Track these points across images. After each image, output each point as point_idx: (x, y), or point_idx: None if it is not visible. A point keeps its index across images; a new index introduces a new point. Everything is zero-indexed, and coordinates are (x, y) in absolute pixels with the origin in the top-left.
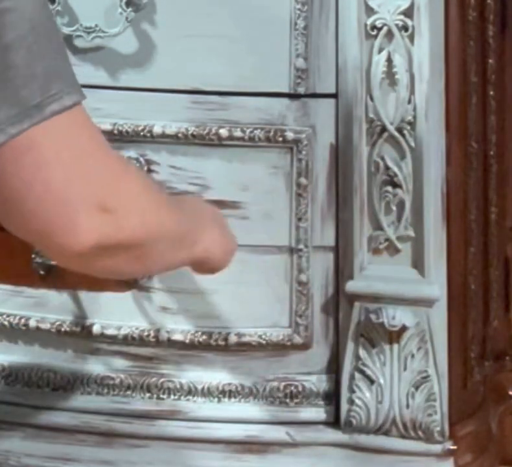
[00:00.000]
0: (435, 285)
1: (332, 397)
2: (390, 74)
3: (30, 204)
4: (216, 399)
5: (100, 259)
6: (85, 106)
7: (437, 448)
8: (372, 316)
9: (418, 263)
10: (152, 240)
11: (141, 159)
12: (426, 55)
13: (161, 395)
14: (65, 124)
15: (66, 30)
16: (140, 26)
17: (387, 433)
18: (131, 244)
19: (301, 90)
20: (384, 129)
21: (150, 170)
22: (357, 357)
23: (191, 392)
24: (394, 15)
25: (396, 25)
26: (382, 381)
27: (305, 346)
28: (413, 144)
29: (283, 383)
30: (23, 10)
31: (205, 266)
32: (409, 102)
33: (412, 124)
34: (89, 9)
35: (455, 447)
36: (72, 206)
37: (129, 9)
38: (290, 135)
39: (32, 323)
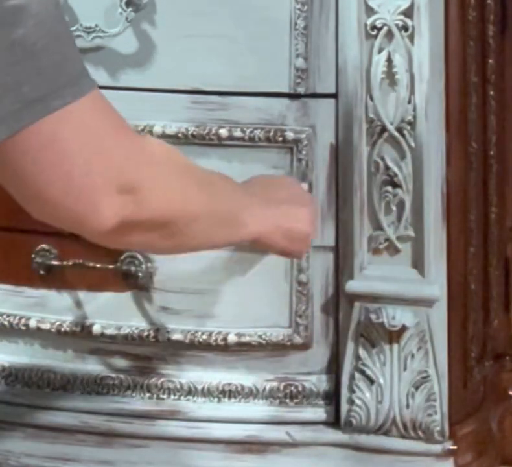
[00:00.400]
0: (435, 285)
1: (332, 397)
2: (390, 74)
3: (53, 196)
4: (216, 399)
5: (129, 235)
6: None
7: (437, 448)
8: (372, 316)
9: (418, 263)
10: (182, 219)
11: None
12: (426, 55)
13: (161, 395)
14: (80, 115)
15: None
16: (140, 26)
17: (387, 433)
18: (158, 222)
19: (301, 90)
20: (383, 129)
21: None
22: (357, 357)
23: (191, 392)
24: (394, 15)
25: (396, 25)
26: (382, 381)
27: (305, 346)
28: (413, 144)
29: (283, 383)
30: (33, 7)
31: (267, 247)
32: (409, 102)
33: (412, 124)
34: (89, 9)
35: (455, 447)
36: (95, 193)
37: (129, 9)
38: (290, 135)
39: (32, 323)
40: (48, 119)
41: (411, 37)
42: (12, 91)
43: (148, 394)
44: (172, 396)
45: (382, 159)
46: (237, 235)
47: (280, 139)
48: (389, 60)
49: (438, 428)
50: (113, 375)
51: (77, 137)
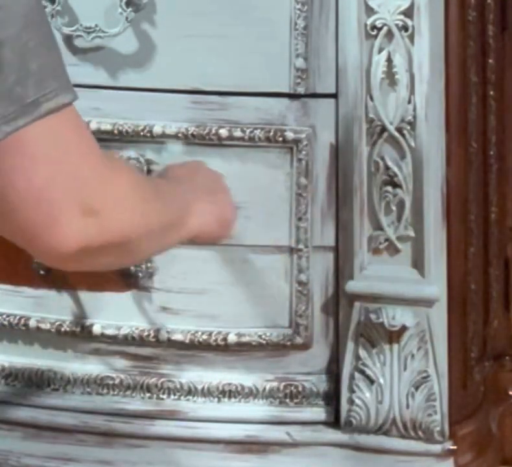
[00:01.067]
0: (435, 285)
1: (332, 397)
2: (390, 74)
3: (13, 205)
4: (216, 399)
5: (88, 258)
6: (85, 105)
7: (437, 448)
8: (372, 316)
9: (418, 263)
10: (140, 236)
11: (141, 159)
12: (426, 55)
13: (161, 395)
14: (57, 124)
15: (66, 30)
16: (140, 26)
17: (387, 433)
18: (119, 244)
19: (301, 90)
20: (383, 129)
21: (149, 171)
22: (357, 357)
23: (191, 392)
24: (394, 15)
25: (396, 25)
26: (382, 381)
27: (305, 346)
28: (413, 144)
29: (283, 383)
30: (16, 8)
31: (204, 239)
32: (409, 102)
33: (412, 124)
34: (89, 9)
35: (455, 447)
36: (55, 208)
37: (129, 9)
38: (290, 135)
39: (32, 323)
40: (24, 129)
41: (411, 37)
42: (4, 93)
43: (148, 394)
44: (172, 396)
45: (382, 159)
46: (183, 235)
47: (280, 139)
48: (389, 60)
49: (438, 428)
50: (113, 375)
51: (47, 146)
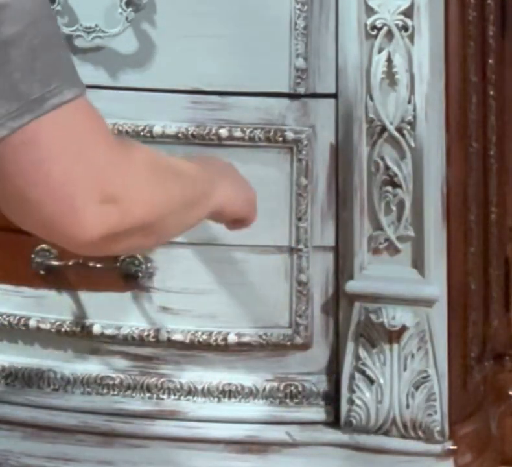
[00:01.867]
0: (435, 285)
1: (332, 397)
2: (390, 74)
3: (33, 201)
4: (216, 399)
5: (113, 243)
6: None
7: (437, 448)
8: (372, 316)
9: (418, 263)
10: (163, 217)
11: None
12: (426, 55)
13: (161, 395)
14: (65, 118)
15: (66, 30)
16: (140, 26)
17: (387, 433)
18: (142, 227)
19: (301, 90)
20: (383, 129)
21: None
22: (357, 357)
23: (191, 392)
24: (394, 15)
25: (396, 25)
26: (382, 381)
27: (305, 346)
28: (413, 144)
29: (283, 383)
30: (22, 6)
31: (229, 215)
32: (409, 102)
33: (412, 124)
34: (89, 9)
35: (455, 447)
36: (75, 200)
37: (129, 9)
38: (290, 135)
39: (32, 323)
40: (31, 125)
41: (411, 37)
42: (10, 90)
43: (148, 394)
44: (172, 396)
45: (382, 159)
46: (207, 211)
47: (280, 139)
48: (389, 60)
49: (438, 428)
50: (113, 375)
51: (60, 141)
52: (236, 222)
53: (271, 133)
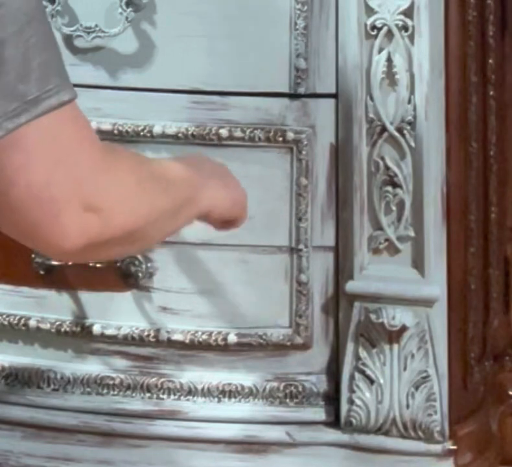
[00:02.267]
0: (435, 285)
1: (332, 397)
2: (390, 74)
3: (15, 206)
4: (216, 399)
5: (95, 252)
6: (85, 105)
7: (437, 448)
8: (372, 316)
9: (418, 263)
10: (146, 225)
11: None
12: (426, 55)
13: (161, 395)
14: (57, 121)
15: (66, 30)
16: (140, 26)
17: (387, 433)
18: (124, 236)
19: (301, 90)
20: (384, 129)
21: None
22: (357, 357)
23: (191, 392)
24: (394, 15)
25: (396, 25)
26: (382, 381)
27: (305, 346)
28: (413, 144)
29: (283, 383)
30: (17, 6)
31: (218, 216)
32: (409, 102)
33: (412, 124)
34: (89, 9)
35: (455, 447)
36: (56, 205)
37: (129, 9)
38: (290, 135)
39: (32, 323)
40: (26, 126)
41: (411, 37)
42: (5, 90)
43: (148, 394)
44: (172, 396)
45: (382, 159)
46: (193, 215)
47: (280, 139)
48: (389, 60)
49: (438, 428)
50: (113, 375)
51: (46, 144)
52: (225, 223)
53: (271, 133)
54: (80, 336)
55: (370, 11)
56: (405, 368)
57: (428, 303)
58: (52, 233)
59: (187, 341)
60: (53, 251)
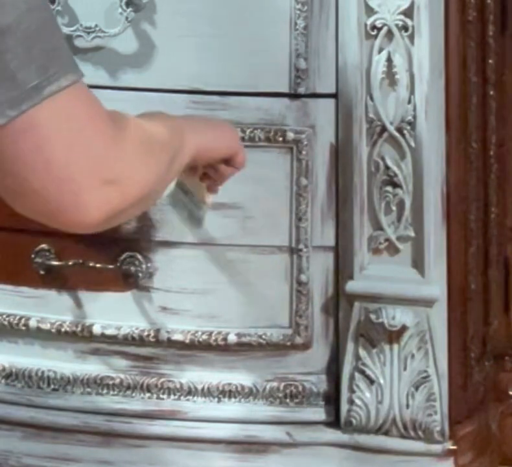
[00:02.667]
0: (435, 285)
1: (332, 397)
2: (390, 74)
3: (35, 187)
4: (216, 399)
5: (114, 220)
6: None
7: (437, 448)
8: (372, 316)
9: (418, 263)
10: (155, 187)
11: None
12: (426, 55)
13: (161, 395)
14: (63, 104)
15: (66, 30)
16: (140, 26)
17: (387, 433)
18: (140, 202)
19: (301, 90)
20: (383, 129)
21: None
22: (357, 357)
23: (191, 392)
24: (394, 15)
25: (396, 25)
26: (382, 381)
27: (305, 346)
28: (413, 144)
29: (283, 383)
30: None
31: (209, 156)
32: (409, 102)
33: (412, 124)
34: (89, 9)
35: (455, 447)
36: (76, 184)
37: (129, 9)
38: (290, 135)
39: (32, 323)
40: (30, 112)
41: (411, 37)
42: (7, 78)
43: (148, 394)
44: (172, 396)
45: (382, 159)
46: (184, 162)
47: (280, 139)
48: (389, 60)
49: (438, 428)
50: (113, 375)
51: (59, 125)
52: (227, 162)
53: (271, 133)
54: (80, 336)
55: (370, 11)
56: (405, 368)
57: (428, 303)
58: (75, 211)
59: (187, 341)
60: (76, 227)
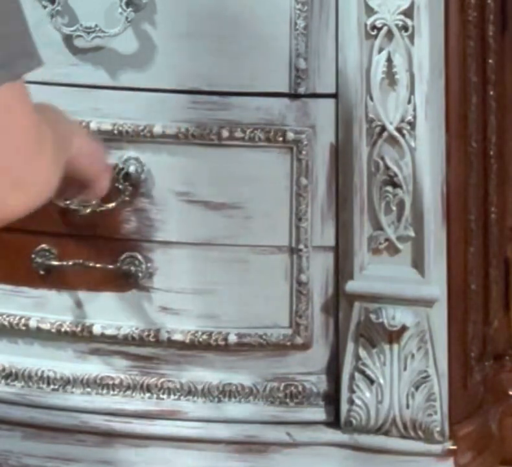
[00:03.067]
0: (435, 285)
1: (332, 397)
2: (390, 74)
3: None
4: (216, 399)
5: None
6: (85, 105)
7: (437, 448)
8: (372, 316)
9: (418, 263)
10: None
11: (141, 159)
12: (426, 55)
13: (161, 395)
14: (6, 95)
15: (66, 30)
16: (140, 26)
17: (387, 433)
18: (46, 197)
19: (301, 90)
20: (383, 129)
21: (149, 171)
22: (357, 357)
23: (191, 392)
24: (394, 15)
25: (396, 25)
26: (382, 381)
27: (305, 346)
28: (413, 144)
29: (283, 383)
30: None
31: (78, 172)
32: (409, 102)
33: (412, 124)
34: (89, 9)
35: (455, 447)
36: None
37: (129, 9)
38: (290, 135)
39: (32, 323)
40: None
41: (411, 37)
42: None
43: (148, 394)
44: (172, 396)
45: (382, 159)
46: (68, 155)
47: (280, 139)
48: (389, 60)
49: (438, 428)
50: (113, 375)
51: None
52: (83, 186)
53: (271, 133)
54: (80, 336)
55: (370, 11)
56: (405, 368)
57: (428, 303)
58: None
59: (187, 341)
60: None
